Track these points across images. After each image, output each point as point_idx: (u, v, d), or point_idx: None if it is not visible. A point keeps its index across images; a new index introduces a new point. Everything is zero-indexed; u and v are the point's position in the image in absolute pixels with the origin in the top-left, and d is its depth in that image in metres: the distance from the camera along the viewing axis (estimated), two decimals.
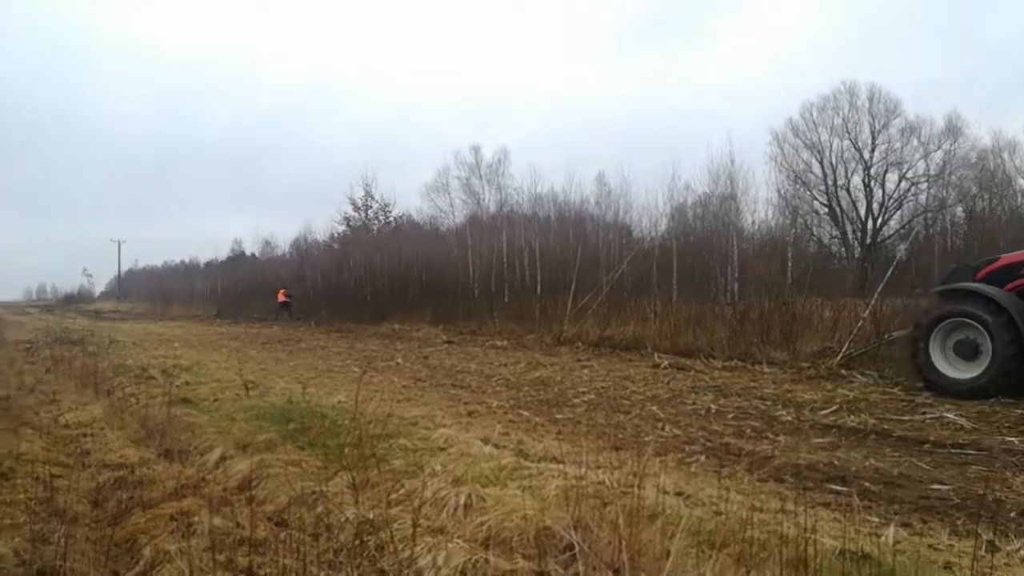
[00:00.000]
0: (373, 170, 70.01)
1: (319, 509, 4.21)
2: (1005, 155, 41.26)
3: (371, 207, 50.42)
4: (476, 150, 48.57)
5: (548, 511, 4.04)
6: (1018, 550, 3.85)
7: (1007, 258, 9.90)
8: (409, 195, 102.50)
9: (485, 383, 11.26)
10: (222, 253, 68.61)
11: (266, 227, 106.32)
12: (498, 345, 18.48)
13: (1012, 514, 4.52)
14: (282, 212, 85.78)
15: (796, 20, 74.20)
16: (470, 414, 8.35)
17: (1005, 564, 3.60)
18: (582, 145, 70.15)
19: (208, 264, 67.25)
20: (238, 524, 4.03)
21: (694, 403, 9.05)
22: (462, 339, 20.88)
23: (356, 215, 50.75)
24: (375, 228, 48.73)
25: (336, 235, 49.04)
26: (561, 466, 5.22)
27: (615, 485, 4.60)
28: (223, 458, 5.65)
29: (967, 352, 9.12)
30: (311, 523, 4.06)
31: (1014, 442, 6.55)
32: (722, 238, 24.16)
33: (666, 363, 13.12)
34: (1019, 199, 38.78)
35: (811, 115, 46.20)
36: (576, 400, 9.39)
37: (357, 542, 3.77)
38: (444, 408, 8.69)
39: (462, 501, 4.41)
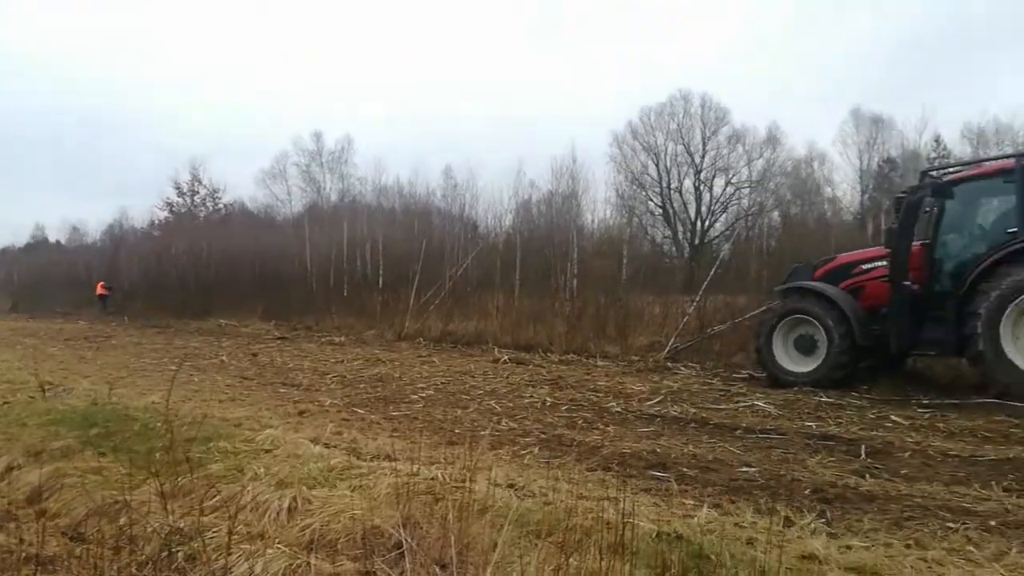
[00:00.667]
0: (203, 155, 65.64)
1: (122, 520, 3.86)
2: (815, 165, 45.73)
3: (198, 192, 47.40)
4: (318, 136, 47.03)
5: (378, 510, 3.94)
6: (809, 523, 4.21)
7: (843, 258, 10.46)
8: (243, 182, 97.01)
9: (319, 381, 10.90)
10: (20, 239, 61.50)
11: (75, 213, 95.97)
12: (335, 341, 17.98)
13: (807, 491, 4.95)
14: (94, 196, 77.77)
15: (645, 27, 77.99)
16: (300, 413, 8.04)
17: (798, 537, 3.92)
18: (433, 139, 69.88)
19: (2, 251, 60.08)
20: (22, 540, 3.60)
21: (531, 396, 9.24)
22: (296, 335, 20.10)
23: (181, 201, 47.46)
24: (202, 215, 45.81)
25: (157, 222, 45.62)
26: (395, 464, 5.12)
27: (448, 480, 4.58)
28: (10, 468, 5.06)
29: (806, 347, 9.64)
30: (112, 536, 3.71)
31: (811, 427, 7.22)
32: (564, 235, 24.95)
33: (506, 358, 13.33)
34: (826, 206, 43.05)
35: (649, 119, 48.86)
36: (414, 396, 9.31)
37: (164, 554, 3.49)
38: (272, 408, 8.31)
39: (286, 504, 4.21)
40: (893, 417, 7.47)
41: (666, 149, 48.66)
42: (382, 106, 76.12)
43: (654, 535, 3.74)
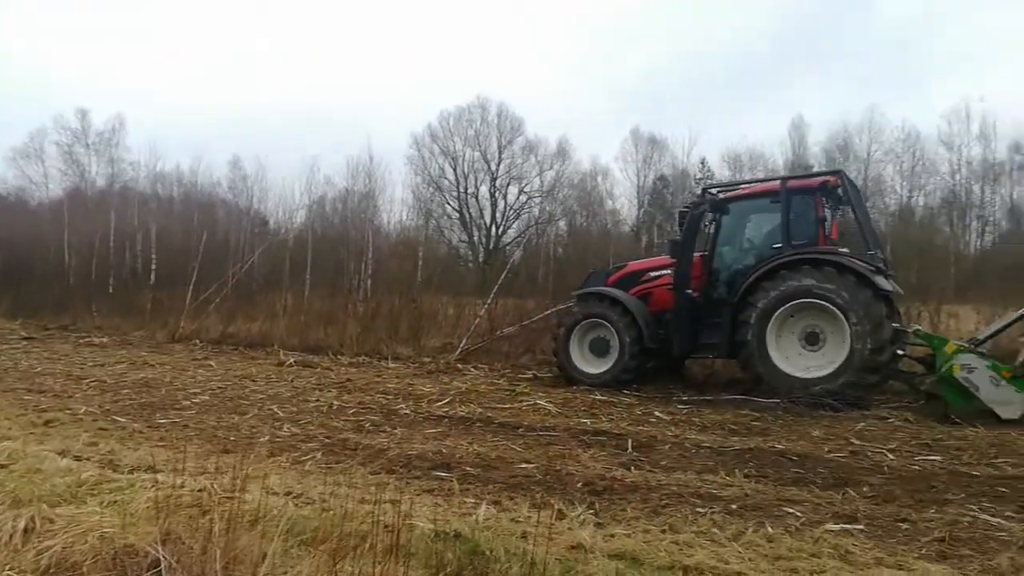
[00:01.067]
0: None
1: None
2: (599, 179, 48.88)
3: None
4: (83, 114, 42.10)
5: (134, 527, 3.58)
6: (579, 515, 4.46)
7: (633, 265, 11.07)
8: None
9: (73, 386, 9.76)
10: None
11: None
12: (96, 343, 16.18)
13: (579, 484, 5.24)
14: None
15: (448, 32, 78.75)
16: (47, 423, 7.14)
17: (568, 528, 4.14)
18: (219, 128, 65.47)
19: None
20: None
21: (317, 400, 8.95)
22: (49, 335, 17.82)
23: None
24: None
25: None
26: (157, 476, 4.70)
27: (218, 491, 4.28)
28: None
29: (600, 349, 10.16)
30: None
31: (586, 423, 7.68)
32: (359, 235, 24.49)
33: (292, 360, 12.81)
34: (608, 218, 46.14)
35: (448, 124, 49.44)
36: (186, 402, 8.63)
37: None
38: (13, 417, 7.31)
39: (21, 526, 3.71)
40: (656, 413, 8.16)
41: (464, 154, 49.57)
42: (162, 89, 69.94)
43: (433, 535, 3.75)
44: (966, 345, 8.24)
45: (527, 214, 49.63)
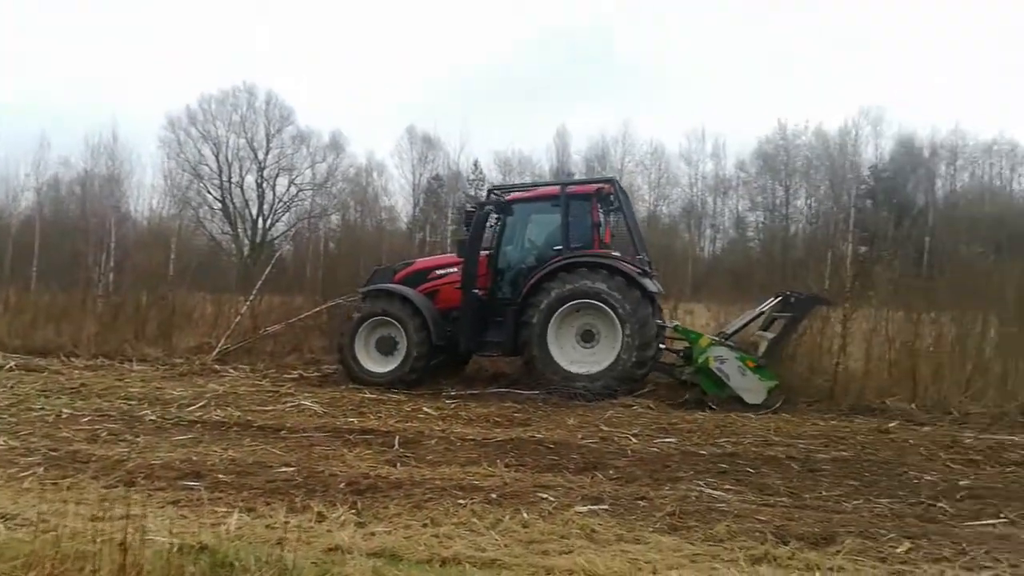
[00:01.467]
0: None
1: None
2: (375, 175, 48.37)
3: None
4: None
5: None
6: (340, 516, 4.35)
7: (420, 263, 10.94)
8: None
9: None
10: None
11: None
12: None
13: (342, 485, 5.11)
14: None
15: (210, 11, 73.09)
16: None
17: (328, 531, 4.02)
18: None
19: None
20: None
21: (43, 409, 7.87)
22: None
23: None
24: None
25: None
26: None
27: None
28: None
29: (387, 348, 9.88)
30: None
31: (354, 422, 7.53)
32: (101, 222, 21.96)
33: (13, 364, 11.14)
34: (383, 214, 45.78)
35: (210, 107, 46.11)
36: None
37: None
38: None
39: None
40: (425, 409, 8.21)
41: (228, 141, 46.57)
42: None
43: (175, 549, 3.44)
44: (718, 339, 9.23)
45: (298, 207, 47.83)
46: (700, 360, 8.90)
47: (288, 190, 47.84)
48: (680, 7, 78.96)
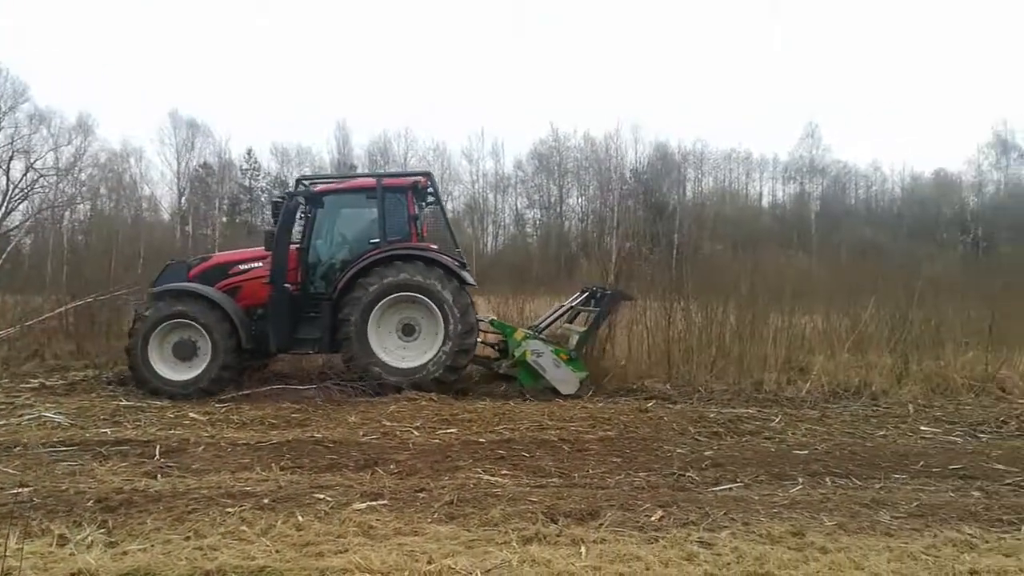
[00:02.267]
0: None
1: None
2: (133, 160, 43.96)
3: None
4: None
5: None
6: (87, 537, 3.90)
7: (219, 258, 10.09)
8: None
9: None
10: None
11: None
12: None
13: (90, 503, 4.59)
14: None
15: None
16: None
17: (71, 554, 3.59)
18: None
19: None
20: None
21: None
22: None
23: None
24: None
25: None
26: None
27: None
28: None
29: (185, 352, 8.98)
30: None
31: (107, 433, 6.81)
32: None
33: None
34: (144, 203, 41.83)
35: None
36: None
37: None
38: None
39: None
40: (191, 414, 7.62)
41: None
42: None
43: None
44: (531, 333, 9.52)
45: (39, 195, 42.19)
46: (518, 354, 9.14)
47: (26, 176, 42.03)
48: (462, 13, 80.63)
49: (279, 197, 10.07)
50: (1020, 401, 8.80)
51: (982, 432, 7.35)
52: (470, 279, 9.67)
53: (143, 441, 6.46)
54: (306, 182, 10.53)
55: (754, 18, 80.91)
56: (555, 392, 8.95)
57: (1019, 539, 4.19)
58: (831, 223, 43.83)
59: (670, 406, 8.44)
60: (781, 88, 78.28)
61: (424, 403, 8.32)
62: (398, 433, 6.91)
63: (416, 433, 6.92)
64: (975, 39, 76.28)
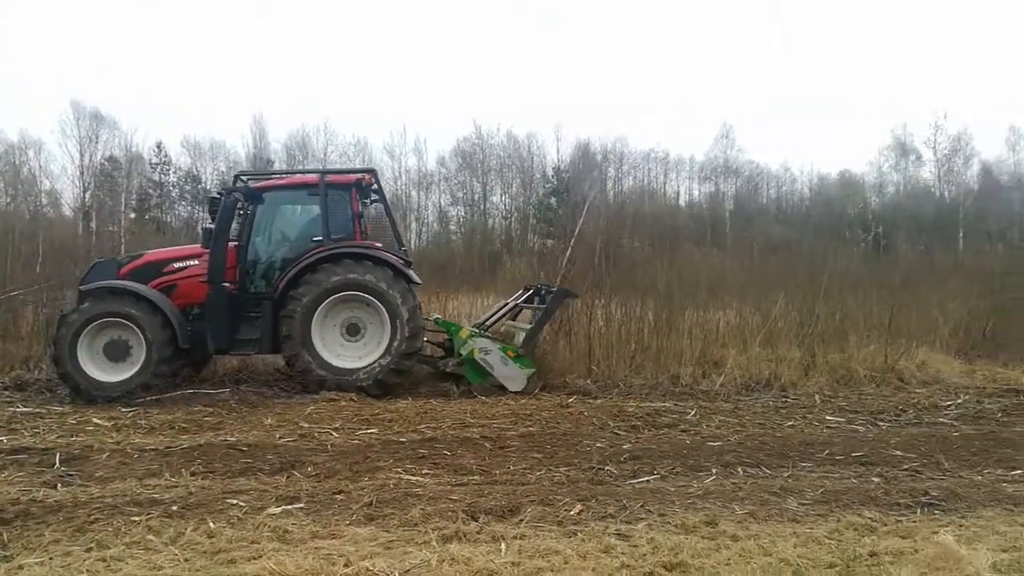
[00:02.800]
0: None
1: None
2: (31, 153, 41.58)
3: None
4: None
5: None
6: None
7: (151, 255, 9.68)
8: None
9: None
10: None
11: None
12: None
13: None
14: None
15: None
16: None
17: None
18: None
19: None
20: None
21: None
22: None
23: None
24: None
25: None
26: None
27: None
28: None
29: (117, 353, 8.59)
30: None
31: (3, 440, 6.42)
32: None
33: None
34: (44, 199, 39.60)
35: None
36: None
37: None
38: None
39: None
40: (95, 420, 7.24)
41: None
42: None
43: None
44: (477, 331, 9.54)
45: None
46: (465, 352, 9.14)
47: None
48: (382, 6, 79.64)
49: (217, 193, 9.76)
50: (917, 390, 9.32)
51: (882, 420, 7.75)
52: (416, 277, 9.58)
53: (42, 449, 6.12)
54: (245, 178, 10.19)
55: (672, 20, 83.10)
56: (503, 389, 8.95)
57: (915, 522, 4.43)
58: (744, 221, 45.38)
59: (591, 401, 8.55)
60: (697, 90, 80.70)
61: (344, 403, 8.18)
62: (316, 435, 6.77)
63: (335, 434, 6.80)
64: (878, 47, 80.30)
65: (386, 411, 7.82)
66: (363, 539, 3.97)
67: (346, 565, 3.53)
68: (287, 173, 11.43)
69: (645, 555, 3.78)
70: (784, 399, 8.86)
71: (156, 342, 8.53)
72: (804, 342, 10.34)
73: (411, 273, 9.41)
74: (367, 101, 73.71)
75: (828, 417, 7.86)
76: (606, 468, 5.70)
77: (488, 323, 10.27)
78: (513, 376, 9.08)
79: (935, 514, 4.61)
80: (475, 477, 5.41)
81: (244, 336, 9.10)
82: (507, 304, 10.66)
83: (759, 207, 51.33)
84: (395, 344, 8.86)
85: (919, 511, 4.65)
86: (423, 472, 5.51)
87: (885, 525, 4.35)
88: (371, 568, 3.46)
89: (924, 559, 3.54)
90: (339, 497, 4.78)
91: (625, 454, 6.14)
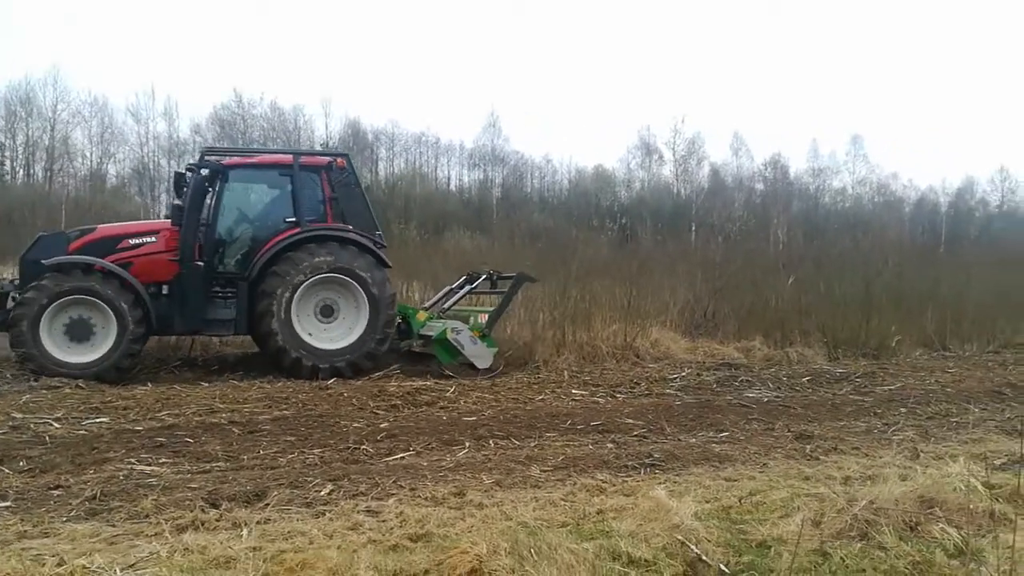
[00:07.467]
0: None
1: None
2: None
3: None
4: None
5: None
6: None
7: (105, 230, 9.18)
8: None
9: None
10: None
11: None
12: None
13: None
14: None
15: None
16: None
17: None
18: None
19: None
20: None
21: None
22: None
23: None
24: None
25: None
26: None
27: None
28: None
29: (80, 333, 8.18)
30: None
31: None
32: None
33: None
34: None
35: None
36: None
37: None
38: None
39: None
40: None
41: None
42: None
43: None
44: (435, 313, 10.11)
45: None
46: (436, 332, 9.42)
47: None
48: None
49: (186, 169, 9.44)
50: (650, 365, 10.34)
51: (619, 393, 8.52)
52: (388, 262, 9.59)
53: None
54: (211, 155, 9.84)
55: (445, 5, 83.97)
56: (472, 367, 9.31)
57: (639, 481, 4.93)
58: (510, 208, 47.31)
59: (351, 382, 8.46)
60: (467, 78, 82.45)
61: (68, 391, 7.37)
62: (32, 426, 6.00)
63: (56, 425, 6.07)
64: (631, 48, 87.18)
65: (120, 398, 7.15)
66: (82, 536, 3.59)
67: (59, 564, 3.15)
68: (255, 152, 10.98)
69: (392, 529, 3.82)
70: (537, 376, 9.41)
71: (129, 320, 8.22)
72: (557, 322, 11.04)
73: (385, 257, 9.47)
74: (106, 53, 65.84)
75: (574, 391, 8.47)
76: (362, 447, 5.68)
77: (450, 305, 10.49)
78: (481, 354, 9.45)
79: (655, 473, 5.17)
80: (219, 464, 5.12)
81: (216, 316, 8.92)
82: (452, 288, 10.92)
83: (524, 195, 53.76)
84: (371, 330, 9.01)
85: (643, 471, 5.19)
86: (160, 461, 5.10)
87: (614, 486, 4.79)
88: (87, 565, 3.13)
89: (640, 512, 3.95)
90: (56, 493, 4.29)
91: (382, 433, 6.15)
